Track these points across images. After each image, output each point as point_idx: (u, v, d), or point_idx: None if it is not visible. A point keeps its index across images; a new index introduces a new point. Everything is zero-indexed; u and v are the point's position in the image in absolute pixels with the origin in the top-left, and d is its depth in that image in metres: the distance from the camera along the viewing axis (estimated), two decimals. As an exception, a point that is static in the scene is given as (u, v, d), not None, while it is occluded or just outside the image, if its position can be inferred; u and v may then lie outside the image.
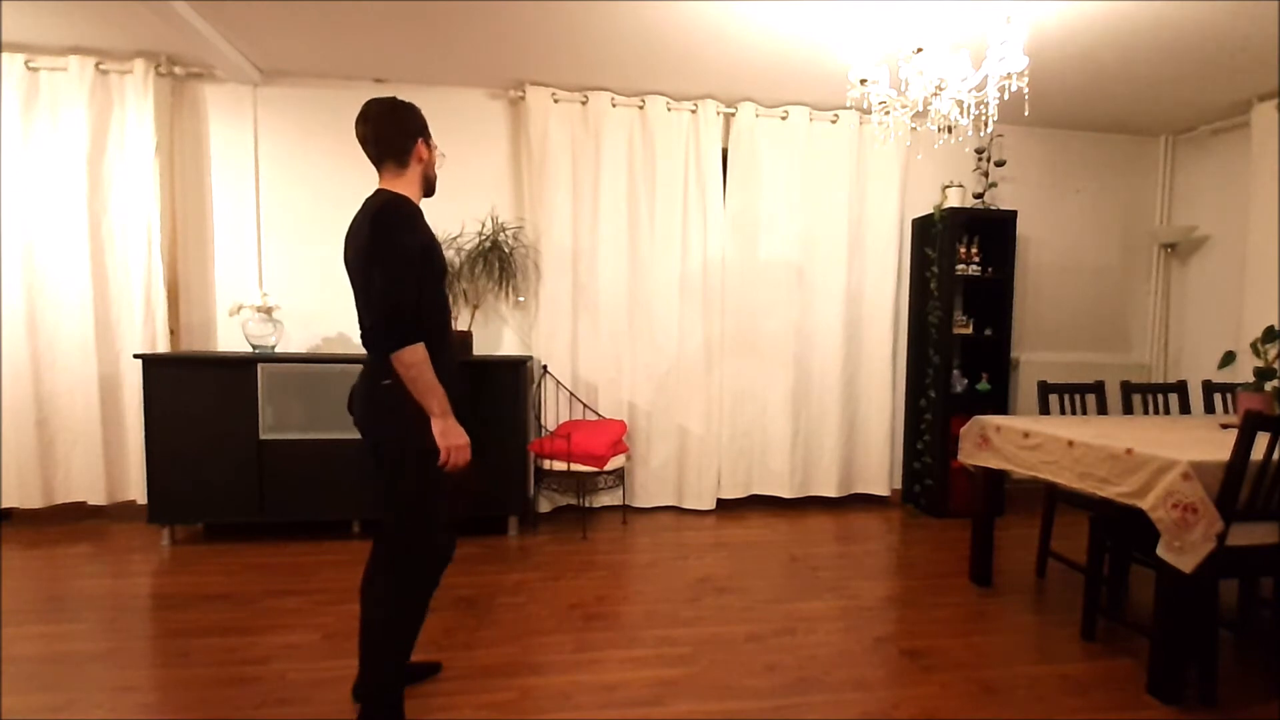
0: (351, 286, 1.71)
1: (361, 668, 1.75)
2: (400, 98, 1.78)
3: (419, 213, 1.70)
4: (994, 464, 2.69)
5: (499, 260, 3.56)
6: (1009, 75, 2.35)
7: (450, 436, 1.65)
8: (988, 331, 3.95)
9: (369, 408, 1.70)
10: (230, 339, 3.57)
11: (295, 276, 3.62)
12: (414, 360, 1.59)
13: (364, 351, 1.70)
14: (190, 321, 3.58)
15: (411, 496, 1.70)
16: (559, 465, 3.38)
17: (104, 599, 2.55)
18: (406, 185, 1.75)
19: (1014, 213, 3.85)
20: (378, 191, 1.72)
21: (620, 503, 3.82)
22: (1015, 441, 2.56)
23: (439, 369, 1.64)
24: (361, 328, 1.67)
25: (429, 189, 1.83)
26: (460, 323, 3.60)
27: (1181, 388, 3.25)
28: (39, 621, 2.35)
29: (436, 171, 1.84)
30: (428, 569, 1.76)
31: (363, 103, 1.74)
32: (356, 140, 1.74)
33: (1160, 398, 3.23)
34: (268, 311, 3.36)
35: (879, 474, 4.07)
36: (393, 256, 1.59)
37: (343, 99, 3.60)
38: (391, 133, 1.72)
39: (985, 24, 2.75)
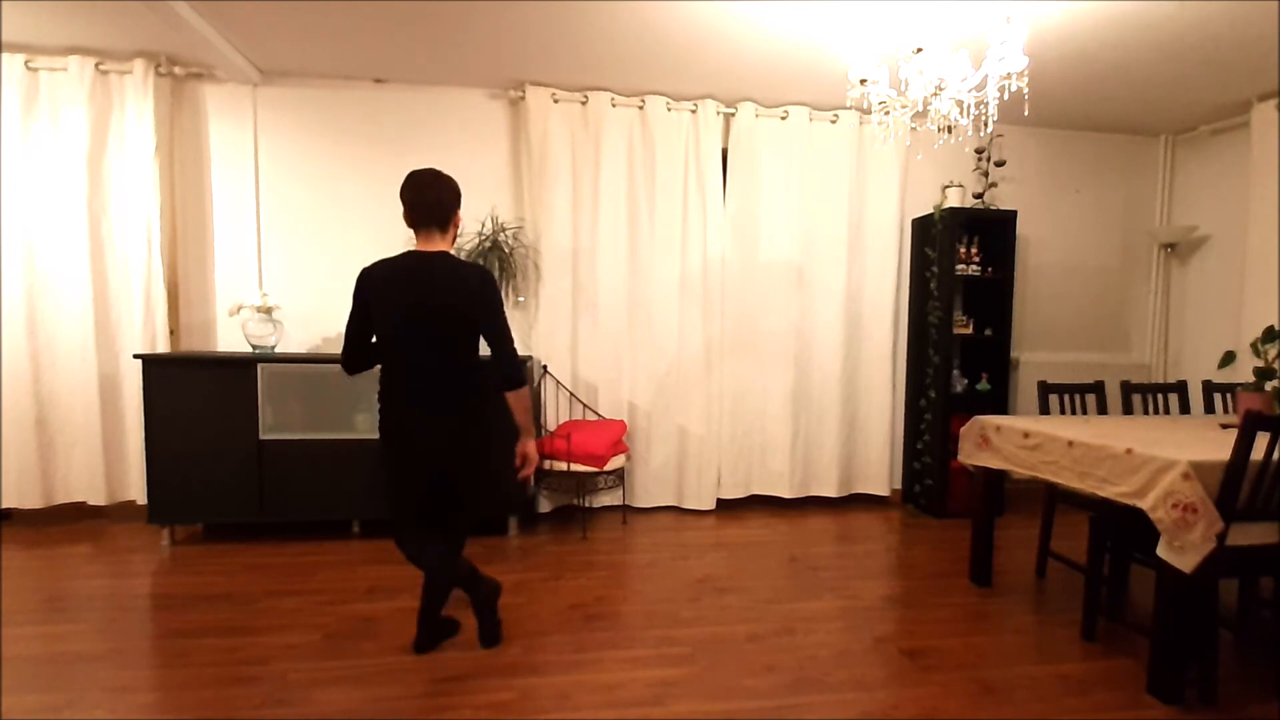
0: (422, 330, 1.93)
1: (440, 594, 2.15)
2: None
3: None
4: (994, 464, 2.68)
5: (499, 260, 3.56)
6: (1009, 75, 2.34)
7: (539, 449, 2.19)
8: (988, 331, 3.95)
9: (467, 449, 2.05)
10: (230, 339, 3.57)
11: (295, 276, 3.62)
12: (527, 391, 2.09)
13: None
14: (190, 321, 3.57)
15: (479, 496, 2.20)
16: (559, 465, 3.38)
17: (104, 599, 2.55)
18: (449, 249, 2.04)
19: (1014, 213, 3.85)
20: (444, 255, 1.96)
21: (620, 503, 3.82)
22: (1015, 441, 2.56)
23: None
24: (428, 367, 1.95)
25: None
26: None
27: (1181, 388, 3.25)
28: (39, 621, 2.35)
29: None
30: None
31: (413, 177, 1.95)
32: (404, 201, 1.92)
33: (1160, 398, 3.23)
34: (268, 311, 3.35)
35: (879, 474, 4.06)
36: (503, 312, 2.00)
37: (343, 99, 3.59)
38: (450, 200, 1.96)
39: (985, 24, 2.75)
